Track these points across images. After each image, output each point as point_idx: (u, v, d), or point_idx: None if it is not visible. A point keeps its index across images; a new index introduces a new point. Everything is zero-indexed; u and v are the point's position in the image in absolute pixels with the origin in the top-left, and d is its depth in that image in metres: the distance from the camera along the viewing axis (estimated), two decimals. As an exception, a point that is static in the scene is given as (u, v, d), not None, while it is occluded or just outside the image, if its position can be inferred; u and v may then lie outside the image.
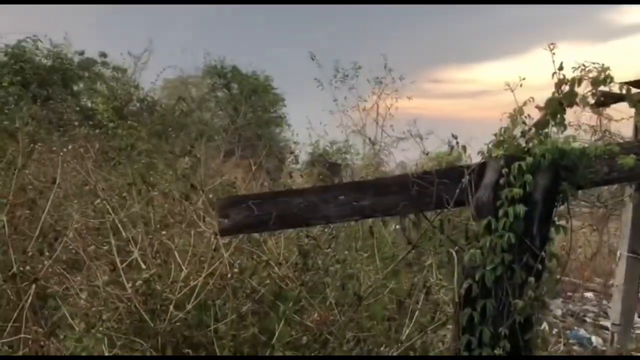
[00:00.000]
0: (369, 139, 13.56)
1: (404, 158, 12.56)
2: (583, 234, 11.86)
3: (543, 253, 2.67)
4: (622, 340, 6.92)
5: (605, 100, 8.13)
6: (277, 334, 2.98)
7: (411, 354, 3.63)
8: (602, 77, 2.77)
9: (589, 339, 7.85)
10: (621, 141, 5.62)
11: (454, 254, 2.80)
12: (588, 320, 9.08)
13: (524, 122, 2.88)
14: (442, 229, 2.93)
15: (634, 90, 7.36)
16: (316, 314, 2.96)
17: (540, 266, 2.66)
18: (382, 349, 3.54)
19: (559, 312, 9.30)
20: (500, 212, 2.70)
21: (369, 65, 13.56)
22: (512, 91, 3.02)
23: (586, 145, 2.73)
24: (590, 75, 2.78)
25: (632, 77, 6.79)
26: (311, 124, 13.54)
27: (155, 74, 13.63)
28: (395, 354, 3.53)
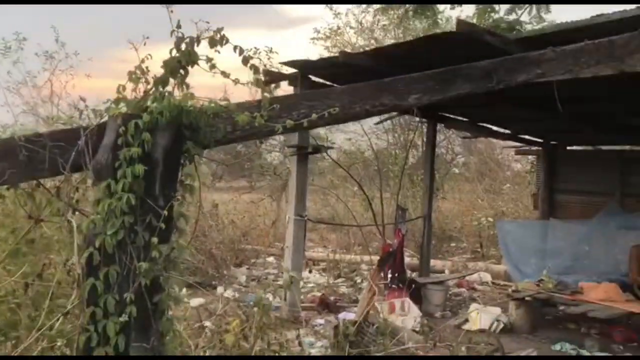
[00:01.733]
0: (43, 119, 12.16)
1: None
2: (263, 204, 12.93)
3: (166, 212, 2.63)
4: (293, 296, 7.68)
5: (271, 79, 8.81)
6: None
7: (59, 341, 3.30)
8: (218, 38, 2.85)
9: (267, 298, 8.52)
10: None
11: (74, 222, 2.58)
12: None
13: (146, 81, 2.80)
14: (59, 197, 2.67)
15: (291, 70, 8.17)
16: None
17: (164, 226, 2.62)
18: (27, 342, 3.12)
19: (243, 279, 9.92)
20: (120, 173, 2.57)
21: (40, 40, 12.15)
22: (137, 50, 2.93)
23: (204, 103, 2.78)
24: (207, 35, 2.83)
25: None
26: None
27: None
28: (39, 344, 3.16)
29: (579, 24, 4.99)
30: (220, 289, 8.82)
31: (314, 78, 7.72)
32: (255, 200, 12.54)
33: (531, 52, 4.04)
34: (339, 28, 14.36)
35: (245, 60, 2.87)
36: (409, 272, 9.16)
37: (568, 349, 6.83)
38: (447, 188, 14.98)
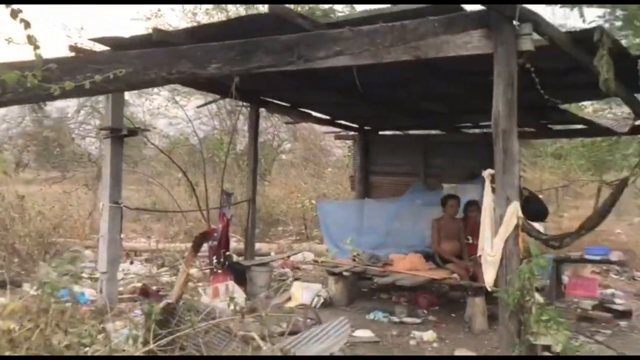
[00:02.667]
0: None
1: None
2: (77, 194, 11.96)
3: None
4: (110, 287, 7.23)
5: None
6: None
7: None
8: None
9: (83, 293, 7.92)
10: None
11: None
12: (85, 276, 9.17)
13: None
14: None
15: (104, 47, 7.63)
16: None
17: None
18: None
19: (55, 274, 9.09)
20: None
21: None
22: None
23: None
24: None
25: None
26: None
27: None
28: None
29: (381, 12, 5.31)
30: (26, 286, 7.99)
31: (127, 56, 7.32)
32: (69, 190, 11.53)
33: (331, 30, 4.20)
34: (159, 10, 13.83)
35: (14, 14, 2.57)
36: (235, 257, 9.16)
37: (381, 317, 7.36)
38: (274, 173, 15.26)
